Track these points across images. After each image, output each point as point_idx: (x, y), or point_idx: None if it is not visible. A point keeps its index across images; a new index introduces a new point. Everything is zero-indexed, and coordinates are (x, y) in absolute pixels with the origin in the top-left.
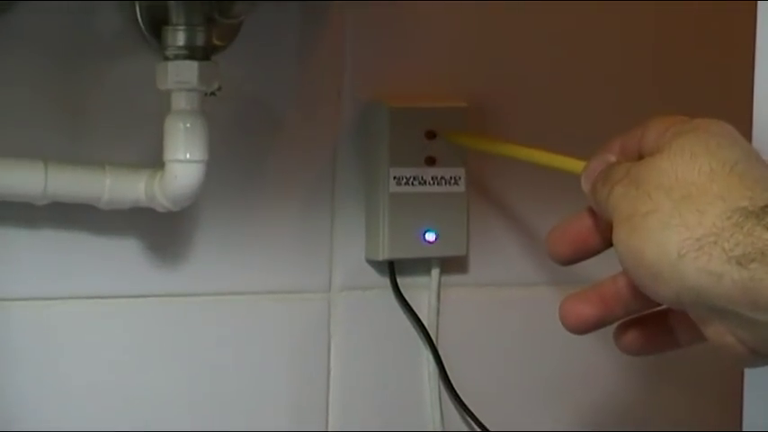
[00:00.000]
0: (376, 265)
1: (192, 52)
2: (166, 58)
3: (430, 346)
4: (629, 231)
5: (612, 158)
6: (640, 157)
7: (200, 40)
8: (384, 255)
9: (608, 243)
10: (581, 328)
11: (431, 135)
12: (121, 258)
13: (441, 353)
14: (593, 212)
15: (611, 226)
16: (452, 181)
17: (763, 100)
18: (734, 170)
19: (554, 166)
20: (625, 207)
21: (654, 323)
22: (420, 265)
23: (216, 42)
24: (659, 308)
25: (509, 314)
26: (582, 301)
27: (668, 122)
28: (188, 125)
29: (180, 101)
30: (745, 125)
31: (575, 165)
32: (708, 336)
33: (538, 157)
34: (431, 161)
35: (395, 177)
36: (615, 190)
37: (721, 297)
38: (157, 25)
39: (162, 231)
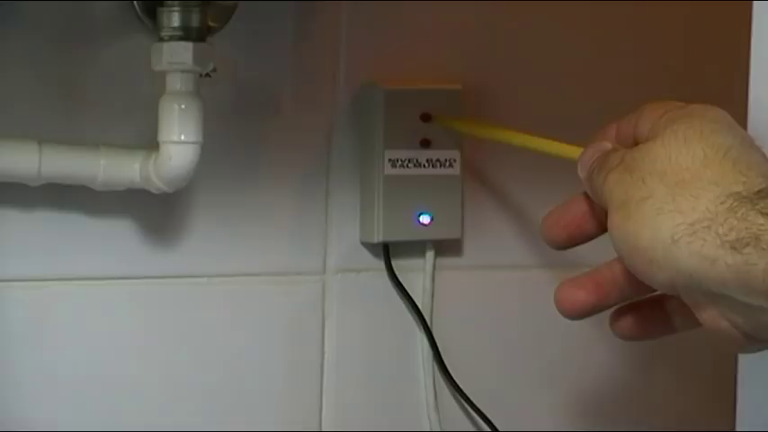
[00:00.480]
0: (370, 247)
1: (186, 33)
2: (161, 39)
3: (424, 329)
4: (624, 217)
5: (609, 145)
6: (635, 142)
7: (195, 21)
8: (379, 237)
9: (603, 228)
10: (576, 314)
11: (426, 117)
12: (116, 240)
13: (435, 335)
14: (588, 197)
15: (607, 211)
16: (447, 163)
17: (759, 99)
18: (728, 155)
19: (550, 153)
20: (620, 193)
21: (649, 308)
22: (415, 248)
23: (211, 24)
24: (655, 293)
25: (503, 297)
26: (577, 287)
27: (663, 108)
28: (183, 106)
29: (175, 82)
30: (742, 121)
31: (570, 151)
32: (702, 321)
33: (534, 143)
34: (426, 143)
35: (390, 160)
36: (610, 176)
37: (715, 281)
38: (152, 6)
39: (157, 213)
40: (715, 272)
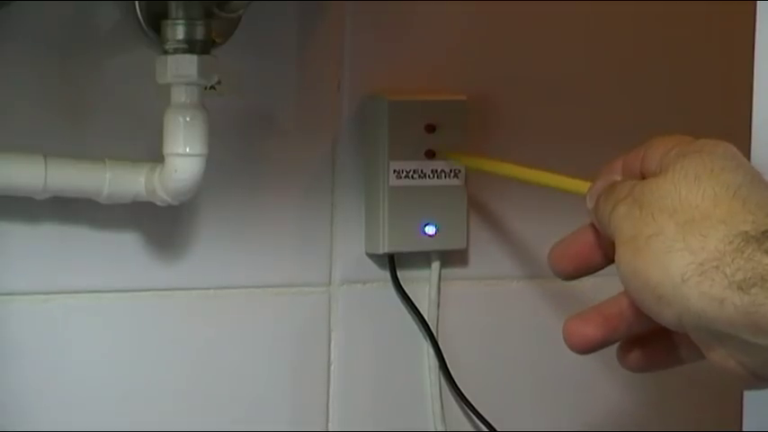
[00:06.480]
0: (376, 258)
1: (191, 46)
2: (166, 52)
3: (430, 340)
4: (633, 253)
5: (618, 179)
6: (642, 176)
7: (199, 34)
8: (384, 248)
9: (610, 260)
10: (585, 349)
11: (430, 128)
12: (121, 252)
13: (441, 346)
14: (594, 228)
15: (613, 243)
16: (452, 174)
17: (763, 99)
18: (737, 194)
19: (558, 187)
20: (628, 228)
21: (657, 341)
22: (420, 259)
23: (215, 36)
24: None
25: (509, 307)
26: (585, 322)
27: (672, 142)
28: (188, 119)
29: (179, 95)
30: (744, 122)
31: (578, 185)
32: (709, 359)
33: (542, 178)
34: (430, 154)
35: (395, 171)
36: (618, 209)
37: (723, 322)
38: (157, 20)
39: (162, 225)
40: (723, 313)
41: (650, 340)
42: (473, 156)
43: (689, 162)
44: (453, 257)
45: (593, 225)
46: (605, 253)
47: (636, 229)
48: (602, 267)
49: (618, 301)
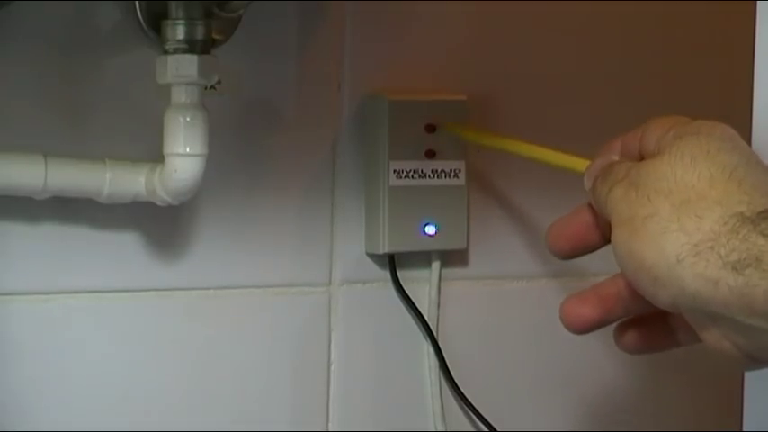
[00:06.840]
0: (376, 258)
1: (191, 46)
2: (166, 52)
3: (430, 339)
4: (629, 234)
5: (616, 158)
6: (641, 156)
7: (199, 34)
8: (384, 248)
9: (607, 239)
10: (582, 329)
11: (431, 128)
12: (122, 252)
13: (441, 346)
14: (591, 208)
15: (610, 223)
16: (452, 174)
17: (763, 99)
18: (733, 175)
19: (556, 164)
20: (624, 209)
21: (654, 323)
22: (420, 259)
23: (215, 36)
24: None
25: (509, 307)
26: (582, 302)
27: (669, 123)
28: (188, 119)
29: (180, 94)
30: (745, 122)
31: (576, 163)
32: (704, 340)
33: (541, 154)
34: (431, 154)
35: (395, 170)
36: (614, 190)
37: (718, 303)
38: (157, 19)
39: (162, 225)
40: (718, 294)
41: (647, 321)
42: (473, 130)
43: (685, 143)
44: (453, 257)
45: (590, 205)
46: (602, 233)
47: (632, 211)
48: (600, 247)
49: (615, 281)
